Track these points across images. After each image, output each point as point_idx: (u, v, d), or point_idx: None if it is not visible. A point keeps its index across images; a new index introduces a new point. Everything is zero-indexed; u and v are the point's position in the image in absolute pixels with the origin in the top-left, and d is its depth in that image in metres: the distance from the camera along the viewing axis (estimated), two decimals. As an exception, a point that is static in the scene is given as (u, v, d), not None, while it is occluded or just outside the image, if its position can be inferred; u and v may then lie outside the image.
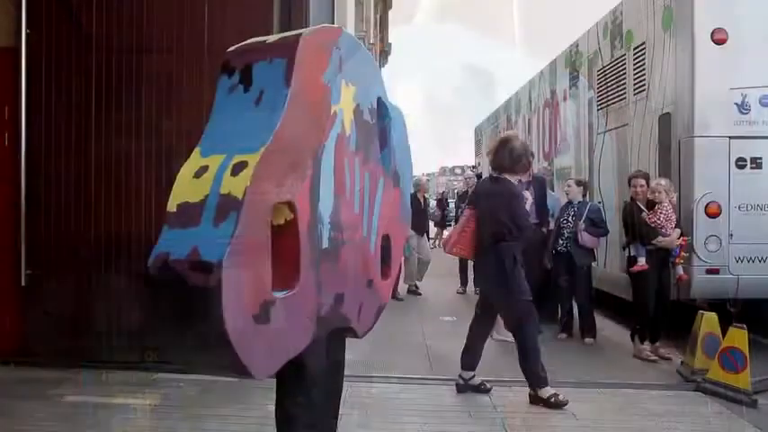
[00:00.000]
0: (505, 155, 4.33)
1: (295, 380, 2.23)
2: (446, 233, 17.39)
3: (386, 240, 2.78)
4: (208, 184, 1.90)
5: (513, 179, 4.39)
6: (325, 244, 2.26)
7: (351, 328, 2.56)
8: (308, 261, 2.14)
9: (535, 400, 4.19)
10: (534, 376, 4.19)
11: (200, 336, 1.85)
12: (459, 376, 4.44)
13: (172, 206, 1.91)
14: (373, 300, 2.71)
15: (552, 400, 4.11)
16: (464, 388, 4.41)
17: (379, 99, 2.68)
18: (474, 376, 4.43)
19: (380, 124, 2.70)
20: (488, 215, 4.34)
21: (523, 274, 4.30)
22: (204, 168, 1.94)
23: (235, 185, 1.85)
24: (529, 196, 6.28)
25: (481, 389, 4.40)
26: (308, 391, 2.29)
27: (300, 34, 2.16)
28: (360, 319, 2.59)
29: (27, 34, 4.80)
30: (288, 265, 2.05)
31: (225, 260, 1.76)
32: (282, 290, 2.02)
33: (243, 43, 2.27)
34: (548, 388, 4.18)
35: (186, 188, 1.93)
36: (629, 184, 5.77)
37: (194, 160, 2.00)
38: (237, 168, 1.88)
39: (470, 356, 4.47)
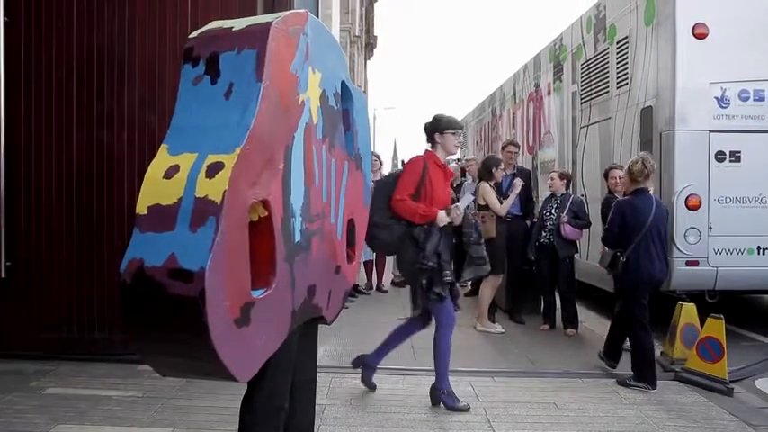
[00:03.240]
0: None
1: (261, 371, 2.16)
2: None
3: (350, 224, 2.72)
4: (181, 185, 1.80)
5: None
6: (298, 237, 2.20)
7: (321, 316, 2.52)
8: (282, 257, 2.09)
9: None
10: None
11: (181, 344, 1.79)
12: None
13: (142, 208, 1.81)
14: (341, 285, 2.67)
15: None
16: None
17: (342, 82, 2.61)
18: None
19: (343, 107, 2.62)
20: None
21: None
22: (175, 168, 1.84)
23: (211, 188, 1.77)
24: (519, 184, 6.30)
25: None
26: (272, 380, 2.26)
27: (270, 23, 2.03)
28: (329, 306, 2.55)
29: (5, 22, 4.72)
30: (263, 263, 2.00)
31: (208, 268, 1.69)
32: (259, 289, 1.98)
33: (206, 28, 2.14)
34: None
35: (157, 189, 1.83)
36: (606, 177, 5.77)
37: (162, 159, 1.89)
38: (212, 170, 1.80)
39: None
